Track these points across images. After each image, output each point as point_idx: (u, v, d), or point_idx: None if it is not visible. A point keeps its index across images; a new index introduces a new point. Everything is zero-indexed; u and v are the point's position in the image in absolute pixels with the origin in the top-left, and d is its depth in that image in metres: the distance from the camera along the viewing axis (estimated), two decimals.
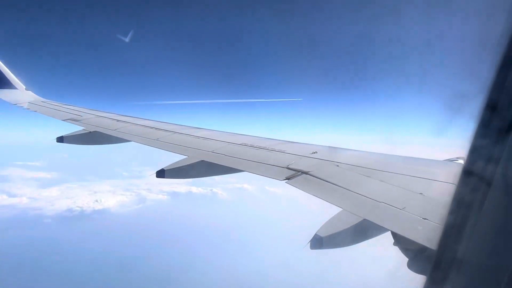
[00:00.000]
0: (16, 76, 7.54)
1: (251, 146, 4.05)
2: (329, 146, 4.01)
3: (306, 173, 3.00)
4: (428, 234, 1.87)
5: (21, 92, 7.29)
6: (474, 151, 1.05)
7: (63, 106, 6.77)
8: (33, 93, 7.45)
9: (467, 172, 1.10)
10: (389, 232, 2.19)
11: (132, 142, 4.66)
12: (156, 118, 5.75)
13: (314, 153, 3.66)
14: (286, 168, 3.19)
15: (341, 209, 2.42)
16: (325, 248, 2.42)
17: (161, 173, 3.56)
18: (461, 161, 3.01)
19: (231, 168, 3.44)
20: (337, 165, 3.22)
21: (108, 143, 4.98)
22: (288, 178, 2.93)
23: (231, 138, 4.55)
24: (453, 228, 1.11)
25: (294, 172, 3.06)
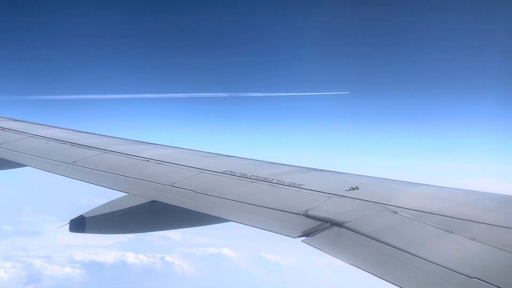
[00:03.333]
0: None
1: (242, 176, 4.12)
2: (379, 178, 4.11)
3: (339, 224, 3.05)
4: None
5: None
6: None
7: None
8: None
9: None
10: None
11: (28, 167, 4.70)
12: (73, 125, 5.93)
13: (354, 189, 3.70)
14: (303, 215, 3.26)
15: None
16: None
17: (78, 224, 3.58)
18: None
19: (204, 215, 3.56)
20: (395, 212, 3.25)
21: None
22: (306, 234, 2.99)
23: (206, 161, 4.59)
24: None
25: (317, 222, 3.12)
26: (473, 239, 2.75)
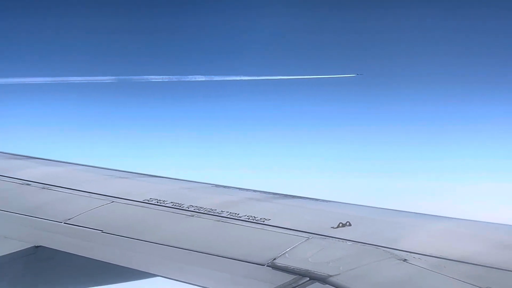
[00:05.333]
0: None
1: (175, 206, 3.71)
2: (380, 208, 3.82)
3: (322, 279, 2.67)
4: None
5: None
6: None
7: None
8: None
9: None
10: None
11: None
12: None
13: (345, 225, 3.36)
14: (268, 266, 2.89)
15: None
16: None
17: None
18: None
19: (115, 268, 3.13)
20: (404, 259, 2.86)
21: None
22: None
23: (119, 184, 4.38)
24: None
25: (290, 276, 2.74)
26: None
